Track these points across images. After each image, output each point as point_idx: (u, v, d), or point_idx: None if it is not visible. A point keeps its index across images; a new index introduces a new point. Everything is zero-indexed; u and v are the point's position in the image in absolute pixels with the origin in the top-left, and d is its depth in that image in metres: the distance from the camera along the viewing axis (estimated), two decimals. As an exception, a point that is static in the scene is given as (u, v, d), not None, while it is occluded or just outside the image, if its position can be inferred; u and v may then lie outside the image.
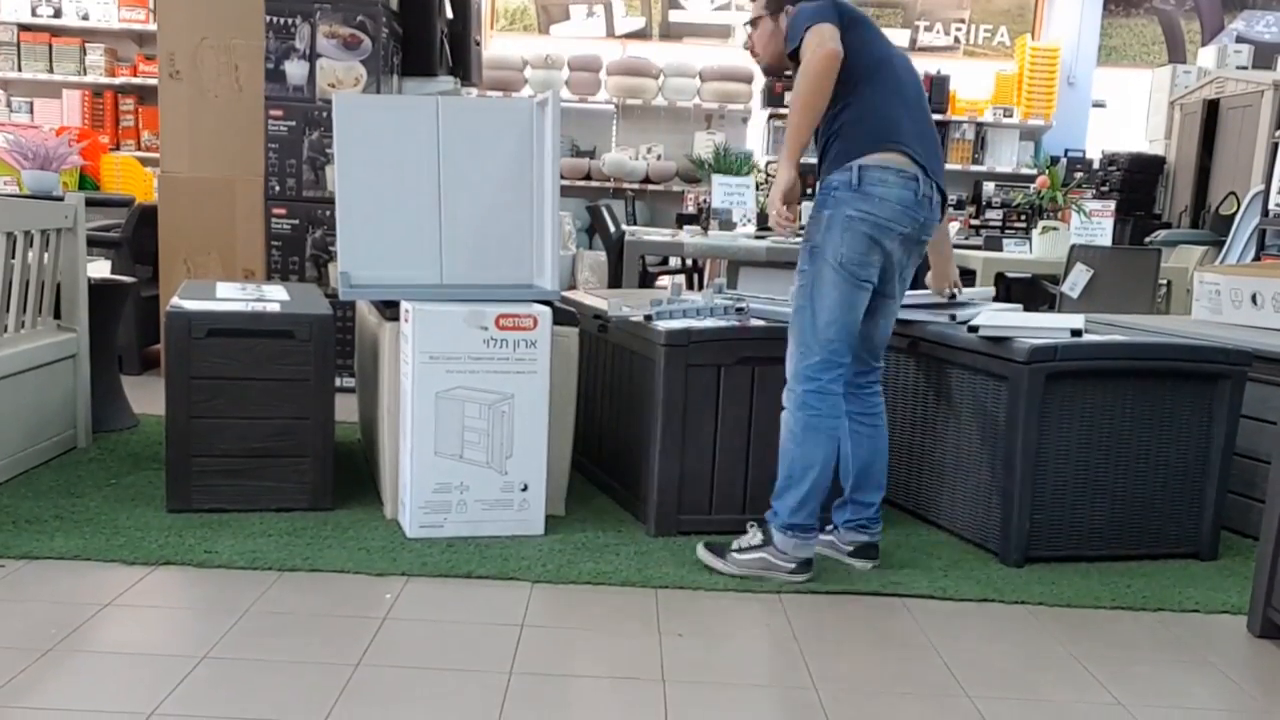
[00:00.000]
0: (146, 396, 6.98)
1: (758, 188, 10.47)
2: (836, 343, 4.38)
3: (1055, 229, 9.09)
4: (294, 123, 7.49)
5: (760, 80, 13.36)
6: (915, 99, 4.47)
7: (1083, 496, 4.85)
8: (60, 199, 6.20)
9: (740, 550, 4.56)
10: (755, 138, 13.74)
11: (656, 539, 4.90)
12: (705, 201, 11.19)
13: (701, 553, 4.63)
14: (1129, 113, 14.23)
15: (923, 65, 13.48)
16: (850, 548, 4.73)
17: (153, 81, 11.57)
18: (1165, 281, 9.21)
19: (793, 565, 4.49)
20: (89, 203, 6.79)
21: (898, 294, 4.56)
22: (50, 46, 12.75)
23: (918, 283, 4.91)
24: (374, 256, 5.01)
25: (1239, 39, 13.75)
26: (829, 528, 4.84)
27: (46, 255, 5.68)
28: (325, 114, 7.42)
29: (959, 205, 13.48)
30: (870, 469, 4.69)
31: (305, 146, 7.51)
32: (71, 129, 10.65)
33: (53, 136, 8.08)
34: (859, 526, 4.72)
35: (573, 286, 11.47)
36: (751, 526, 4.61)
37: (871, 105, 4.36)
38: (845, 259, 4.31)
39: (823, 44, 4.19)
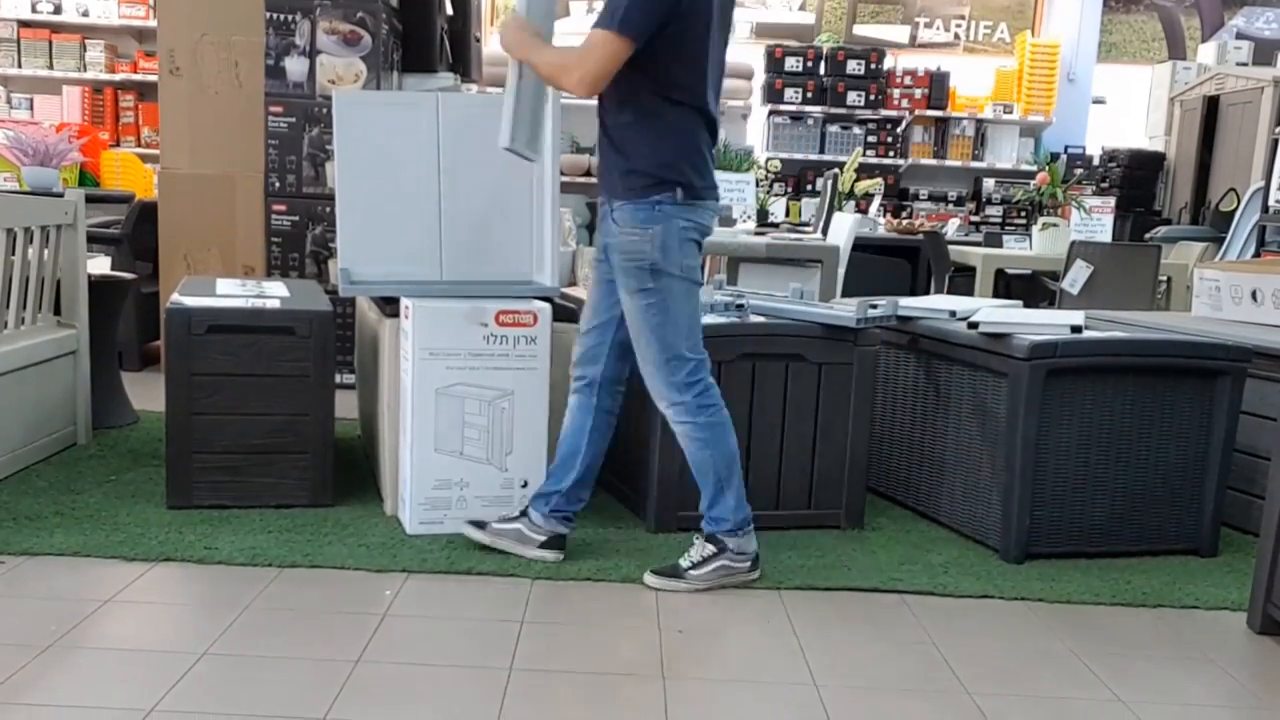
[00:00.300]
0: (146, 393, 6.98)
1: (757, 184, 10.48)
2: (699, 344, 4.40)
3: (1055, 225, 9.09)
4: (294, 119, 7.48)
5: (760, 76, 13.37)
6: (713, 124, 4.38)
7: (1083, 493, 4.85)
8: (60, 195, 6.20)
9: (696, 565, 4.44)
10: (755, 134, 13.74)
11: (656, 535, 4.90)
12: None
13: (652, 580, 4.43)
14: (1129, 109, 14.24)
15: (923, 61, 13.52)
16: (544, 537, 4.59)
17: (153, 78, 11.56)
18: (1165, 278, 9.21)
19: (748, 563, 4.48)
20: (89, 199, 6.78)
21: None
22: (50, 43, 12.75)
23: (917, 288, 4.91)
24: (374, 253, 5.00)
25: (1239, 35, 13.76)
26: (519, 513, 4.67)
27: (46, 251, 5.67)
28: (325, 110, 7.42)
29: (958, 201, 13.48)
30: (594, 466, 4.62)
31: (305, 143, 7.50)
32: (71, 125, 10.63)
33: (53, 133, 8.09)
34: (564, 519, 4.61)
35: (573, 283, 11.46)
36: (697, 539, 4.51)
37: (684, 133, 4.27)
38: (686, 268, 4.30)
39: (590, 83, 4.16)
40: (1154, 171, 13.14)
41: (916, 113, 13.43)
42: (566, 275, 11.29)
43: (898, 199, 13.47)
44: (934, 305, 5.46)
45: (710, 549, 4.45)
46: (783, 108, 13.35)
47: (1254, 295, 6.00)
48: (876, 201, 12.25)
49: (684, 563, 4.45)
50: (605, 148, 4.35)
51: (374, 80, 7.46)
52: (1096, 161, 13.47)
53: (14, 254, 5.34)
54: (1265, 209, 10.78)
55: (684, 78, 4.21)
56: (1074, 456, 4.82)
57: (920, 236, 10.02)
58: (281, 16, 7.38)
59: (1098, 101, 14.08)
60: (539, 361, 4.76)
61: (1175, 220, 12.63)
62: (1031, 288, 9.36)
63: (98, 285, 6.19)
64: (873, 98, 13.33)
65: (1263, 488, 5.01)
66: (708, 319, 4.97)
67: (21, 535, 4.49)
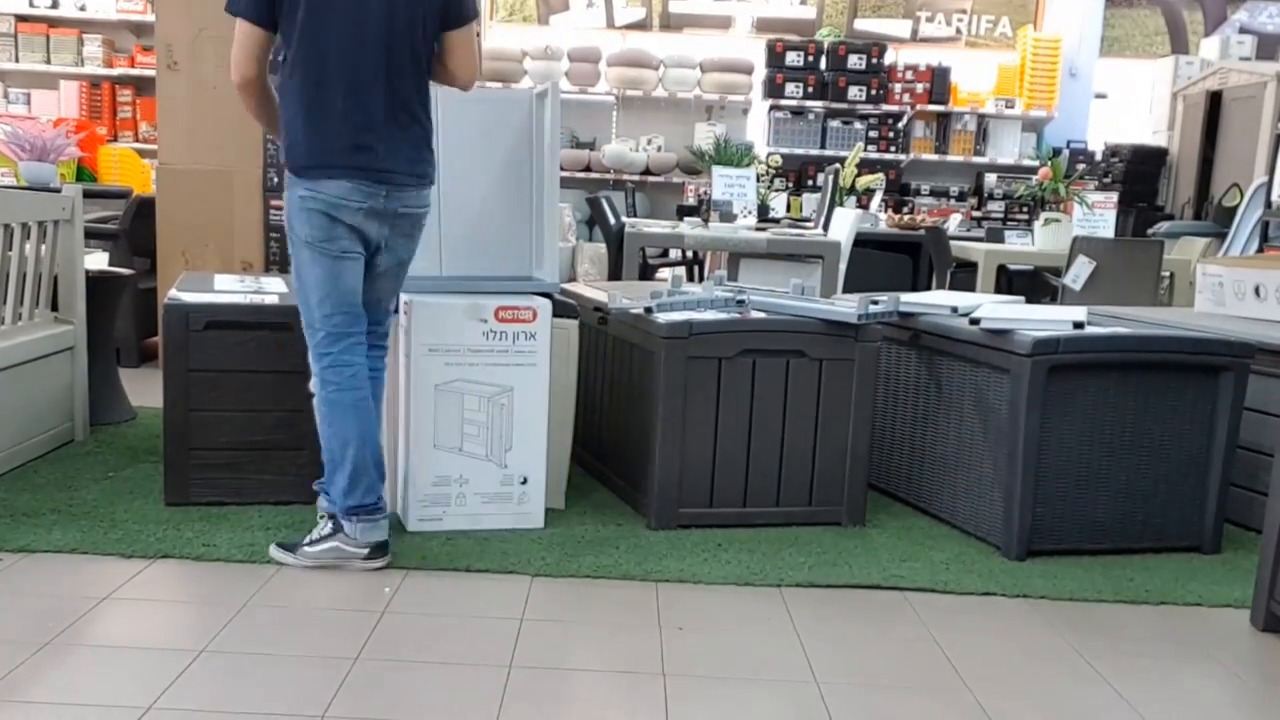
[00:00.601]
0: (144, 389, 6.97)
1: (758, 179, 10.46)
2: (335, 316, 4.30)
3: (1057, 221, 9.08)
4: (293, 114, 7.46)
5: (761, 71, 13.35)
6: (371, 78, 4.26)
7: (1085, 489, 4.84)
8: (58, 191, 6.18)
9: (312, 543, 4.40)
10: (756, 129, 13.73)
11: (657, 532, 4.88)
12: (706, 193, 11.18)
13: (273, 551, 4.42)
14: (1131, 104, 14.22)
15: (924, 56, 13.50)
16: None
17: (151, 73, 11.57)
18: (1168, 274, 9.20)
19: (365, 550, 4.35)
20: (86, 194, 6.77)
21: (388, 263, 4.44)
22: (48, 37, 12.75)
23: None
24: (373, 248, 4.99)
25: (1242, 30, 13.74)
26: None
27: (44, 247, 5.66)
28: (324, 105, 7.40)
29: (960, 197, 13.47)
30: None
31: (304, 138, 7.48)
32: (69, 120, 10.64)
33: (50, 128, 8.08)
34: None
35: (572, 278, 11.45)
36: (322, 517, 4.46)
37: (303, 108, 4.29)
38: (310, 237, 4.23)
39: (234, 69, 4.31)
40: (1157, 167, 13.13)
41: (918, 108, 13.41)
42: (566, 271, 11.30)
43: (899, 194, 13.46)
44: (936, 301, 5.44)
45: (328, 528, 4.39)
46: (784, 103, 13.34)
47: (1257, 291, 5.98)
48: (878, 197, 12.25)
49: (306, 538, 4.41)
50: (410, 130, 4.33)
51: (373, 75, 7.43)
52: (1099, 157, 13.46)
53: (11, 249, 5.33)
54: (1268, 204, 10.77)
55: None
56: (1076, 453, 4.80)
57: (922, 232, 10.01)
58: (281, 11, 7.37)
59: (1100, 96, 14.07)
60: (539, 357, 4.74)
61: (1178, 216, 12.62)
62: (1033, 283, 9.35)
63: (95, 281, 6.17)
64: (874, 93, 13.31)
65: (1266, 484, 5.00)
66: (707, 315, 4.96)
67: (19, 532, 4.47)
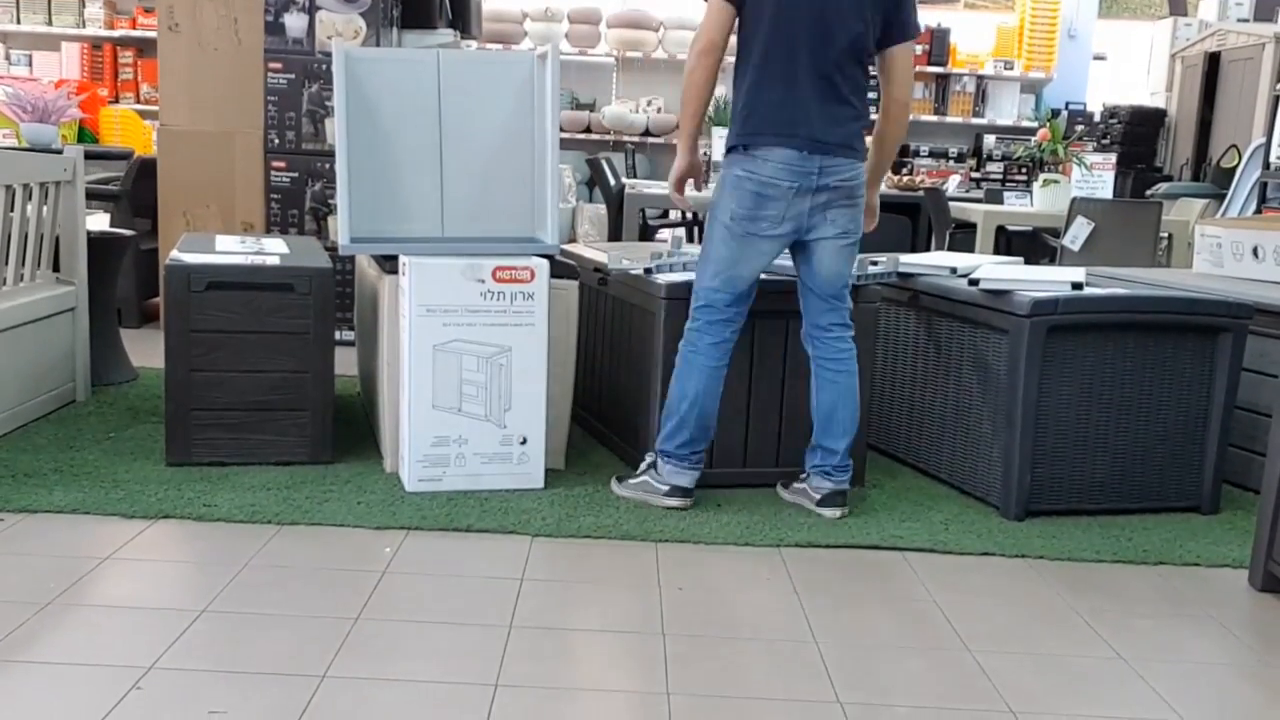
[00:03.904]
0: (145, 350, 6.97)
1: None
2: (719, 293, 4.62)
3: (1056, 182, 9.07)
4: (293, 75, 7.46)
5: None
6: (815, 68, 4.49)
7: (1083, 450, 4.85)
8: (59, 152, 6.17)
9: (635, 476, 4.86)
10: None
11: (656, 493, 4.90)
12: (706, 155, 11.16)
13: (613, 484, 4.93)
14: (1130, 66, 14.19)
15: (923, 18, 13.40)
16: (818, 495, 4.74)
17: (152, 34, 11.54)
18: (1166, 234, 9.20)
19: (666, 488, 4.72)
20: (88, 156, 6.76)
21: (831, 234, 4.60)
22: (49, -1, 12.71)
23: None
24: (374, 210, 4.98)
25: (1241, -9, 13.69)
26: (802, 475, 4.86)
27: (45, 208, 5.66)
28: (325, 67, 7.40)
29: (959, 158, 13.44)
30: (834, 415, 4.72)
31: (305, 99, 7.48)
32: (70, 82, 10.62)
33: (51, 89, 8.05)
34: (824, 473, 4.73)
35: (572, 239, 11.45)
36: (649, 454, 4.86)
37: (756, 88, 4.53)
38: (735, 215, 4.54)
39: (698, 40, 4.51)
40: (1155, 128, 13.10)
41: (917, 69, 13.34)
42: (566, 232, 11.29)
43: (898, 155, 13.41)
44: (934, 262, 5.44)
45: (649, 460, 4.85)
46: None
47: (1255, 252, 5.98)
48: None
49: (635, 471, 4.90)
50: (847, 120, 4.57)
51: (373, 37, 7.43)
52: (1097, 118, 13.42)
53: (13, 210, 5.33)
54: (1266, 165, 10.75)
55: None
56: (1075, 413, 4.81)
57: (921, 193, 10.00)
58: (280, -29, 7.36)
59: (1099, 58, 14.02)
60: (537, 317, 4.75)
61: (1176, 177, 12.59)
62: (1032, 244, 9.35)
63: (97, 242, 6.17)
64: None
65: (1264, 445, 5.02)
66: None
67: (20, 493, 4.48)
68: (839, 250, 4.62)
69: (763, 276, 4.98)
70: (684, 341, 4.67)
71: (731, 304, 4.61)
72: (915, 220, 10.20)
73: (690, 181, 4.75)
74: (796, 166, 4.44)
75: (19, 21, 12.67)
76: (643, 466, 4.81)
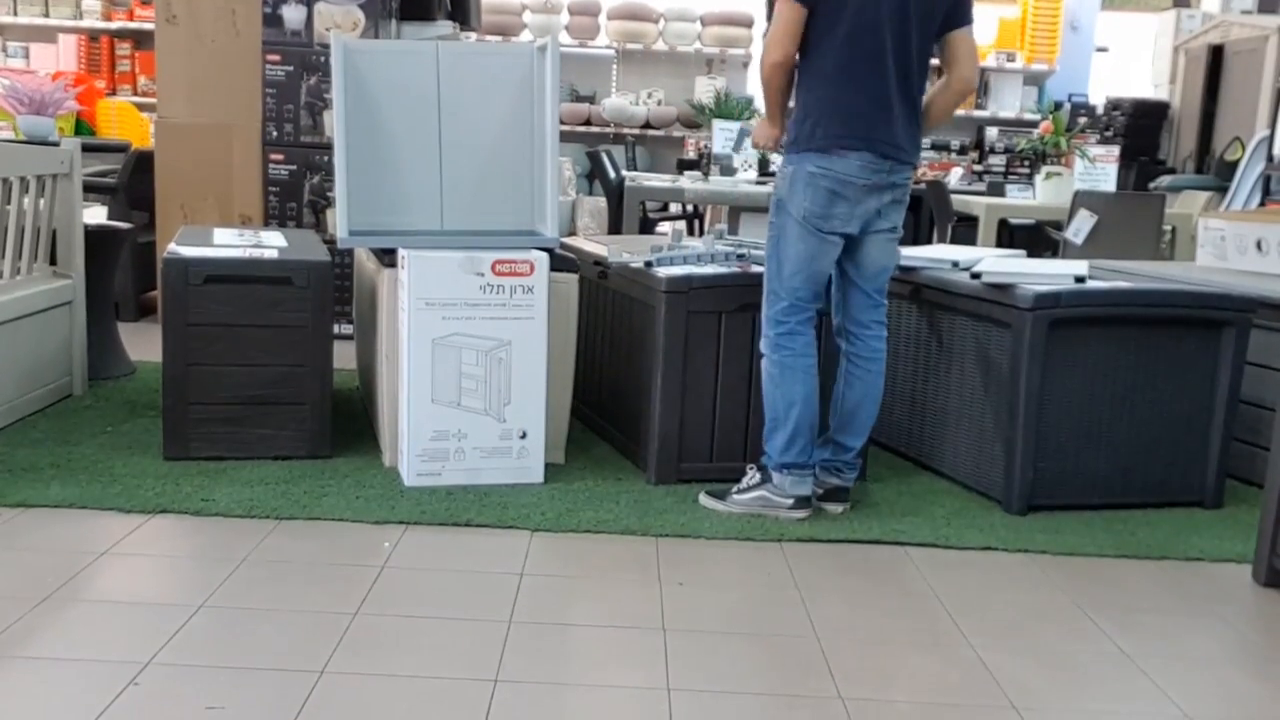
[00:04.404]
0: (143, 343, 6.96)
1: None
2: (802, 290, 4.55)
3: (1059, 175, 9.04)
4: (291, 67, 7.44)
5: (761, 25, 13.29)
6: (892, 69, 4.46)
7: (1086, 444, 4.83)
8: (56, 144, 6.16)
9: (740, 491, 4.67)
10: (756, 82, 13.62)
11: (657, 487, 4.88)
12: (706, 147, 11.15)
13: (703, 499, 4.72)
14: (1133, 58, 14.17)
15: (925, 10, 13.38)
16: (822, 490, 4.73)
17: (149, 26, 11.50)
18: (1170, 228, 9.18)
19: (790, 501, 4.59)
20: (85, 148, 6.74)
21: (885, 228, 4.59)
22: (46, -9, 12.69)
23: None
24: (373, 203, 4.96)
25: (1244, -17, 13.68)
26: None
27: (42, 201, 5.64)
28: (323, 59, 7.38)
29: (961, 151, 13.43)
30: (857, 413, 4.73)
31: (303, 91, 7.46)
32: (67, 74, 10.59)
33: (49, 81, 8.04)
34: (834, 469, 4.74)
35: (572, 232, 11.44)
36: (750, 469, 4.69)
37: (833, 89, 4.47)
38: (808, 213, 4.47)
39: (771, 48, 4.49)
40: (1158, 120, 13.07)
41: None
42: (566, 225, 11.27)
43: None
44: (937, 255, 5.43)
45: (757, 478, 4.67)
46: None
47: (1259, 245, 5.96)
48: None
49: (735, 487, 4.70)
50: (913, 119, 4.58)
51: (372, 28, 7.41)
52: (1100, 110, 13.41)
53: (10, 203, 5.31)
54: (1270, 158, 10.73)
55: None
56: (1077, 408, 4.79)
57: (923, 186, 9.97)
58: (278, -37, 7.35)
59: (1101, 50, 14.01)
60: (537, 311, 4.73)
61: (1180, 170, 12.57)
62: (1035, 238, 9.32)
63: (94, 235, 6.16)
64: (875, 46, 13.23)
65: (1267, 439, 5.00)
66: (707, 269, 4.95)
67: (17, 487, 4.47)
68: (886, 243, 4.62)
69: (761, 269, 4.97)
70: (771, 349, 4.59)
71: (814, 300, 4.59)
72: (917, 213, 10.17)
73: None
74: (872, 167, 4.43)
75: (16, 13, 12.67)
76: (750, 480, 4.69)
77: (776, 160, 10.88)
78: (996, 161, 13.28)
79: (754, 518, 4.58)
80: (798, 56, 4.52)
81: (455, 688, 3.12)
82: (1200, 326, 4.87)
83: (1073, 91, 13.64)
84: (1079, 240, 8.28)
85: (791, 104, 4.63)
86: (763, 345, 4.63)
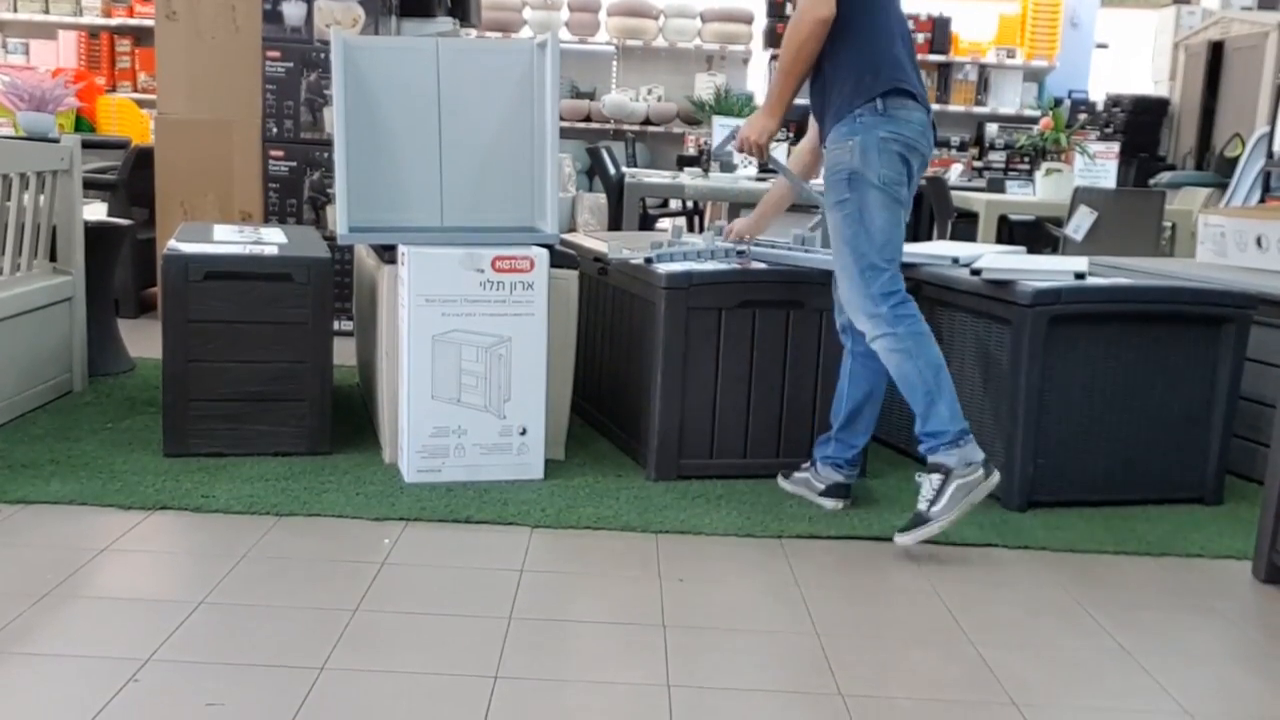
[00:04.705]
0: (143, 340, 6.96)
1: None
2: (897, 258, 4.41)
3: (1059, 171, 9.05)
4: (291, 64, 7.44)
5: (761, 21, 13.29)
6: (906, 33, 4.51)
7: (1086, 441, 4.83)
8: (56, 141, 6.16)
9: (933, 501, 4.26)
10: (756, 79, 13.68)
11: (657, 483, 4.88)
12: (706, 143, 11.16)
13: (903, 539, 4.30)
14: (1133, 54, 14.17)
15: (925, 6, 13.42)
16: (823, 485, 4.72)
17: (149, 23, 11.51)
18: (1170, 224, 9.18)
19: (980, 470, 4.27)
20: (85, 145, 6.73)
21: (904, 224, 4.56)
22: (46, -13, 12.69)
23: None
24: (373, 199, 4.96)
25: (1244, -21, 13.67)
26: (804, 465, 4.84)
27: (42, 197, 5.64)
28: (323, 55, 7.38)
29: (961, 147, 13.43)
30: (862, 410, 4.70)
31: (303, 88, 7.46)
32: (67, 70, 10.59)
33: (49, 78, 8.03)
34: (835, 465, 4.72)
35: (572, 229, 11.44)
36: (921, 477, 4.36)
37: (878, 43, 4.39)
38: (886, 179, 4.35)
39: (819, 5, 4.30)
40: (1158, 117, 13.07)
41: (919, 57, 13.33)
42: (566, 221, 11.27)
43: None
44: (937, 251, 5.43)
45: (938, 478, 4.30)
46: (784, 52, 13.27)
47: (1259, 241, 5.96)
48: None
49: (921, 505, 4.30)
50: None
51: (372, 25, 7.41)
52: (1100, 107, 13.40)
53: (10, 200, 5.31)
54: (1270, 155, 10.73)
55: None
56: (1077, 404, 4.79)
57: (922, 182, 9.97)
58: (278, -40, 7.35)
59: (1101, 46, 14.01)
60: (537, 307, 4.73)
61: (1180, 166, 12.57)
62: (1035, 234, 9.33)
63: (94, 231, 6.16)
64: (875, 42, 13.22)
65: (1268, 435, 5.00)
66: (708, 265, 4.95)
67: (17, 483, 4.47)
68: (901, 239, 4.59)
69: (764, 265, 4.97)
70: (893, 323, 4.33)
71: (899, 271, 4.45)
72: (917, 209, 10.17)
73: (745, 153, 4.67)
74: (927, 133, 4.45)
75: (16, 10, 12.66)
76: (933, 486, 4.28)
77: (778, 156, 10.89)
78: (996, 158, 13.30)
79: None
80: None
81: (455, 684, 3.12)
82: (1200, 323, 4.87)
83: (1073, 88, 13.64)
84: (1079, 237, 8.29)
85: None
86: (874, 326, 4.36)
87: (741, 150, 4.64)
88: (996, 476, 4.29)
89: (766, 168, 9.27)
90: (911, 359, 4.32)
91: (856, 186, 4.36)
